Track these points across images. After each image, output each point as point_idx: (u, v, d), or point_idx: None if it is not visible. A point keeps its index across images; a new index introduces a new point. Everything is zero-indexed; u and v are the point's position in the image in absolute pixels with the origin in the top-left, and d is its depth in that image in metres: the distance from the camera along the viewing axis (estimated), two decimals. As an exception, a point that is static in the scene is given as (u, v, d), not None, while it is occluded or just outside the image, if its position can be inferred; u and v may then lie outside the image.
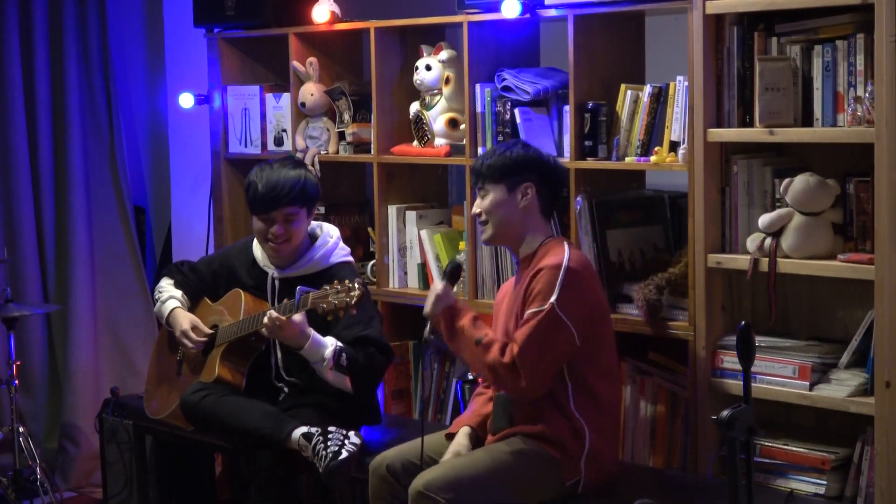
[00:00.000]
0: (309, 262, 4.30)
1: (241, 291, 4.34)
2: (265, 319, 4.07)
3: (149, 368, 4.68)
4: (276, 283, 4.32)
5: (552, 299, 3.58)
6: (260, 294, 4.35)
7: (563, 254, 3.67)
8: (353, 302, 3.94)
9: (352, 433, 3.96)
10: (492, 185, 3.77)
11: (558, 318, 3.58)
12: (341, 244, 4.39)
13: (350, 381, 4.16)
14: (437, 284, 3.79)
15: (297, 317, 4.06)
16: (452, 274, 3.81)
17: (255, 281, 4.36)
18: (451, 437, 3.82)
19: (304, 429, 3.99)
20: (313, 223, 4.40)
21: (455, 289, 3.87)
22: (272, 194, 4.21)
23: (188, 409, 4.22)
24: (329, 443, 3.92)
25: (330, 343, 4.13)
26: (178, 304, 4.42)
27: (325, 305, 3.97)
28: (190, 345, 4.33)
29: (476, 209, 3.83)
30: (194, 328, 4.34)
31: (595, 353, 3.67)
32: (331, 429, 3.97)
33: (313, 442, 3.93)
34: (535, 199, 3.76)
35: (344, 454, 3.89)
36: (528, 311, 3.62)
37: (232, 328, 4.26)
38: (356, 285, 3.95)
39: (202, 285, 4.49)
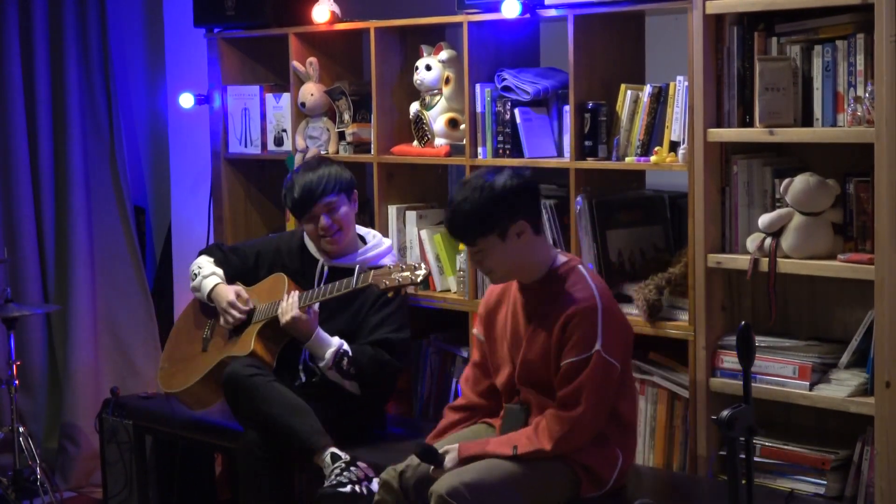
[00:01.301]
0: (357, 260, 4.36)
1: (284, 276, 4.38)
2: (284, 303, 4.16)
3: (167, 346, 4.71)
4: (326, 269, 4.37)
5: (597, 346, 3.50)
6: (304, 280, 4.38)
7: (590, 289, 3.57)
8: (418, 280, 3.96)
9: (375, 480, 3.87)
10: (481, 240, 3.57)
11: (606, 362, 3.52)
12: (392, 253, 4.48)
13: (358, 384, 4.20)
14: (437, 472, 3.59)
15: (316, 307, 4.16)
16: (426, 456, 3.59)
17: (303, 266, 4.42)
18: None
19: (335, 450, 3.99)
20: (362, 230, 4.48)
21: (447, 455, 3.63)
22: (306, 194, 4.31)
23: (233, 381, 4.17)
24: (345, 473, 3.91)
25: (334, 344, 4.16)
26: (220, 280, 4.45)
27: (387, 282, 3.99)
28: (237, 314, 4.34)
29: (475, 265, 3.66)
30: (239, 296, 4.36)
31: (620, 373, 3.63)
32: (359, 463, 3.96)
33: (335, 464, 3.94)
34: (529, 228, 3.59)
35: (347, 489, 3.87)
36: (569, 361, 3.52)
37: (272, 306, 4.27)
38: (423, 265, 4.00)
39: (243, 267, 4.52)
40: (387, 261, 4.39)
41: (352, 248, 4.40)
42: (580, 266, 3.66)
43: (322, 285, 4.28)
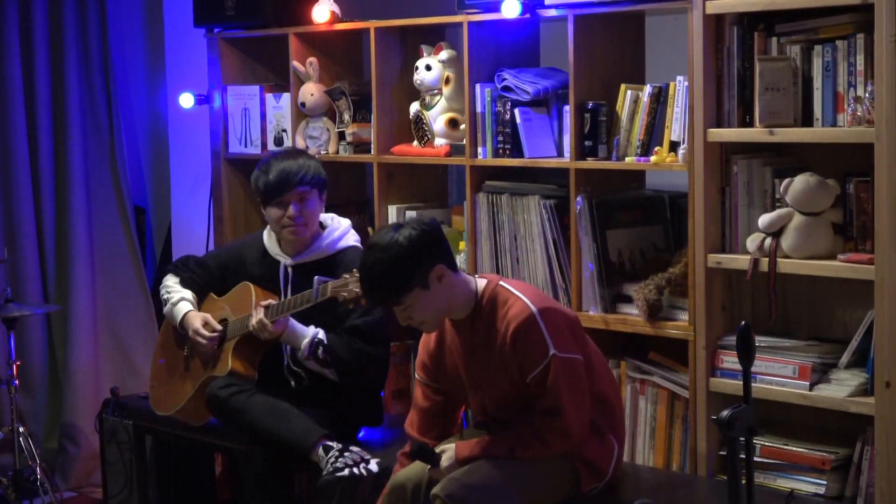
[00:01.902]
0: (318, 248, 4.32)
1: (249, 285, 4.35)
2: (253, 322, 4.14)
3: (152, 365, 4.68)
4: (290, 270, 4.33)
5: (552, 351, 3.50)
6: (270, 285, 4.35)
7: (520, 301, 3.55)
8: None
9: (374, 461, 3.92)
10: (406, 296, 3.54)
11: (565, 360, 3.52)
12: (352, 231, 4.41)
13: (336, 373, 4.18)
14: (433, 471, 3.60)
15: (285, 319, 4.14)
16: (423, 455, 3.61)
17: (267, 270, 4.37)
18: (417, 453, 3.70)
19: (326, 441, 4.00)
20: (324, 215, 4.43)
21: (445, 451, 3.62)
22: (283, 178, 4.25)
23: (215, 404, 4.20)
24: (340, 459, 3.91)
25: (309, 334, 4.16)
26: (190, 306, 4.42)
27: (346, 294, 3.96)
28: (204, 342, 4.32)
29: (405, 322, 3.63)
30: (206, 324, 4.34)
31: (587, 360, 3.63)
32: (352, 448, 3.96)
33: (329, 454, 3.94)
34: (447, 270, 3.57)
35: (345, 472, 3.87)
36: (533, 376, 3.51)
37: (243, 321, 4.26)
38: None
39: (210, 280, 4.50)
40: (350, 240, 4.36)
41: (308, 241, 4.34)
42: (500, 283, 3.65)
43: (287, 297, 4.24)
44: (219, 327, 4.34)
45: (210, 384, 4.24)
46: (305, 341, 4.17)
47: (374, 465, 3.91)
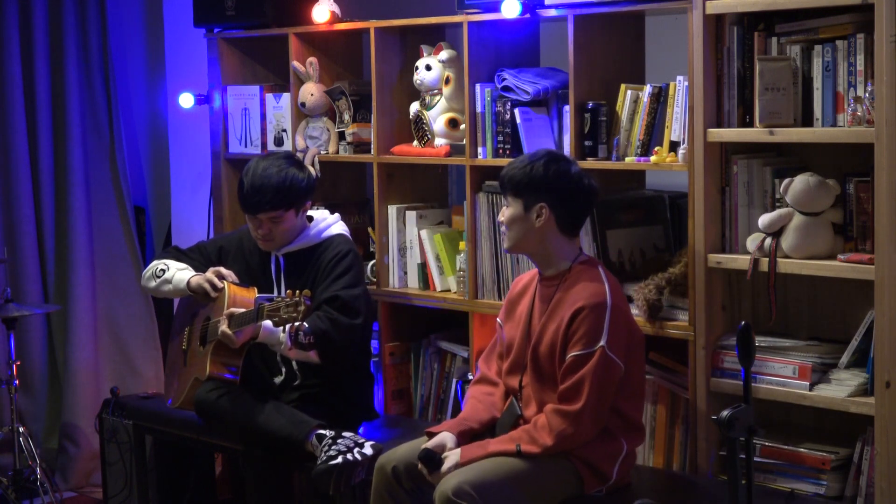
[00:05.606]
0: (306, 238, 4.35)
1: (228, 285, 4.30)
2: (218, 333, 4.12)
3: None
4: (281, 259, 4.34)
5: (602, 342, 3.58)
6: (264, 275, 4.34)
7: (602, 287, 3.65)
8: (298, 317, 3.90)
9: (368, 443, 3.94)
10: (511, 197, 3.75)
11: (609, 359, 3.58)
12: (340, 222, 4.44)
13: (318, 353, 4.13)
14: (433, 476, 3.64)
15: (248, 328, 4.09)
16: (426, 461, 3.64)
17: (262, 260, 4.38)
18: (431, 435, 3.76)
19: (319, 431, 4.00)
20: (312, 212, 4.44)
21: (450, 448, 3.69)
22: (255, 199, 4.26)
23: (203, 408, 4.21)
24: (334, 447, 3.91)
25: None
26: (192, 272, 4.38)
27: (276, 319, 3.95)
28: (212, 289, 4.29)
29: (500, 217, 3.82)
30: (217, 273, 4.33)
31: (625, 376, 3.66)
32: (345, 434, 3.96)
33: (322, 444, 3.94)
34: (552, 219, 3.72)
35: (338, 460, 3.88)
36: (574, 355, 3.59)
37: (216, 326, 4.22)
38: (303, 301, 3.89)
39: (207, 263, 4.46)
40: (338, 228, 4.39)
41: (296, 233, 4.35)
42: (600, 266, 3.76)
43: (282, 287, 4.28)
44: (229, 278, 4.32)
45: (197, 390, 4.24)
46: (283, 334, 4.10)
47: (368, 449, 3.92)
